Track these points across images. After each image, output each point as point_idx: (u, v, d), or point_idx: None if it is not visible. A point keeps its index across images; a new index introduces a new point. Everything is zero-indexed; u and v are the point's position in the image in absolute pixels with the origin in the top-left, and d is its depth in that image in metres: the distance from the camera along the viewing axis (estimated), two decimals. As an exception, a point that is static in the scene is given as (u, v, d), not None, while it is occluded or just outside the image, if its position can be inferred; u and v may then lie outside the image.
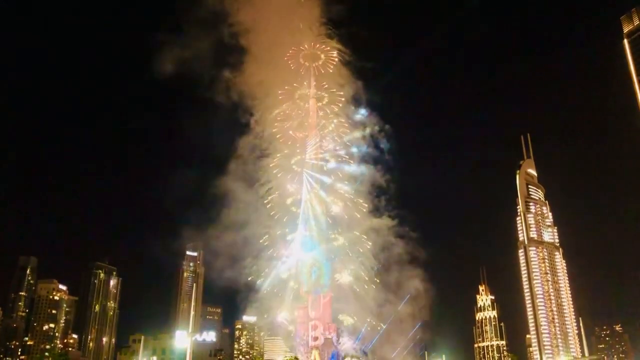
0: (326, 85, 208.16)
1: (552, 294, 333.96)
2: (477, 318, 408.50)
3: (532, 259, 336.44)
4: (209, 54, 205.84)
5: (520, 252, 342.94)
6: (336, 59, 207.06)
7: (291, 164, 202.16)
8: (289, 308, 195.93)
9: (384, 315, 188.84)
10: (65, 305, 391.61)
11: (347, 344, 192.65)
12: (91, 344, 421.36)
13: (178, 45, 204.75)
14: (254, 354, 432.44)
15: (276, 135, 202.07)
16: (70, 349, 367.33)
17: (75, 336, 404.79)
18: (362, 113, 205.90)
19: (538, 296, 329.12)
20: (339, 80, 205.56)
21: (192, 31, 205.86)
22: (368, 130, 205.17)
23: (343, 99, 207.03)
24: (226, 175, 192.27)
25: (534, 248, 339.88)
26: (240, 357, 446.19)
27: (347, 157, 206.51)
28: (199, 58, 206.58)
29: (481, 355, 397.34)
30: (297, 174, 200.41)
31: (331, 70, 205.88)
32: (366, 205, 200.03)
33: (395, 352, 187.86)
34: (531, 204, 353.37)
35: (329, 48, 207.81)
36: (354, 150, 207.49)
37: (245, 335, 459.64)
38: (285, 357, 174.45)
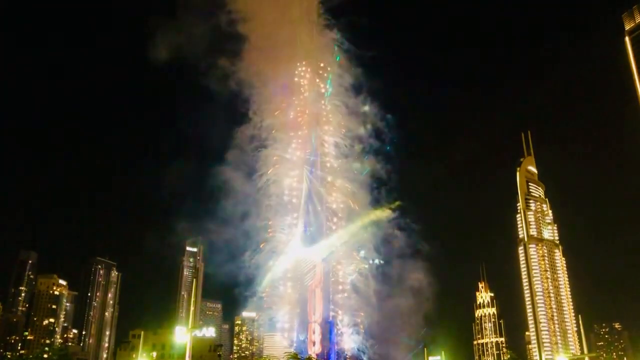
0: (325, 75, 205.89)
1: (551, 291, 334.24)
2: (476, 315, 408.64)
3: (531, 257, 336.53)
4: (206, 40, 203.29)
5: (520, 250, 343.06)
6: (336, 49, 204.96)
7: (290, 157, 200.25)
8: (288, 304, 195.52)
9: (384, 310, 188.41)
10: (65, 300, 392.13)
11: (347, 341, 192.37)
12: (91, 339, 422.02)
13: (174, 30, 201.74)
14: (254, 349, 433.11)
15: (275, 126, 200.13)
16: (69, 343, 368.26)
17: (75, 331, 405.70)
18: (363, 102, 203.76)
19: (537, 293, 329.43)
20: (338, 70, 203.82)
21: (189, 17, 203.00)
22: (369, 120, 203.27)
23: (344, 89, 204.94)
24: (224, 166, 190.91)
25: (534, 245, 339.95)
26: (240, 352, 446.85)
27: (347, 147, 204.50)
28: (196, 44, 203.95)
29: (480, 352, 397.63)
30: (297, 166, 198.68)
31: (331, 60, 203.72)
32: (366, 198, 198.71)
33: (396, 349, 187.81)
34: (531, 201, 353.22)
35: (328, 38, 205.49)
36: (355, 140, 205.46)
37: (245, 330, 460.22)
38: (285, 352, 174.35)
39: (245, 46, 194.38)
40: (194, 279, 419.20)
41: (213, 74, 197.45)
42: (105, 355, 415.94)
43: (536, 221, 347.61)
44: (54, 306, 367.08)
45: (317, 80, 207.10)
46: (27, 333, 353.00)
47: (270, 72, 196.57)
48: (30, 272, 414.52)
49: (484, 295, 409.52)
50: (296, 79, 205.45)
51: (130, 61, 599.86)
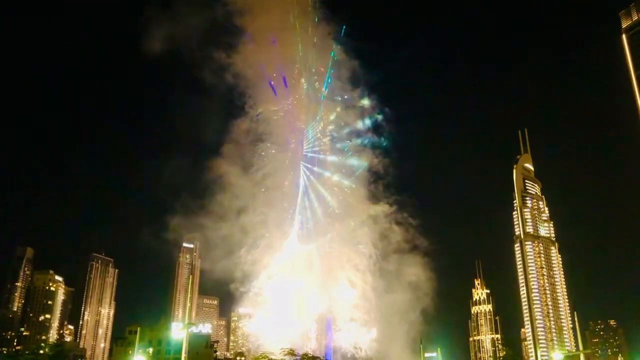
0: (323, 68, 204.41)
1: (547, 288, 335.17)
2: (472, 312, 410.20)
3: (528, 254, 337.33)
4: (203, 32, 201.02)
5: (516, 247, 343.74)
6: (333, 42, 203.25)
7: (287, 151, 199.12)
8: (284, 300, 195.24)
9: (381, 305, 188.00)
10: (61, 296, 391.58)
11: (343, 337, 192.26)
12: (87, 335, 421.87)
13: (169, 22, 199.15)
14: (250, 345, 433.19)
15: (272, 120, 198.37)
16: (66, 339, 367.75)
17: (71, 327, 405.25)
18: (362, 97, 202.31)
19: (533, 290, 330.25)
20: (336, 63, 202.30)
21: (184, 8, 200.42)
22: (367, 114, 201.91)
23: (341, 82, 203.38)
24: (220, 161, 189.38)
25: (530, 242, 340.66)
26: (236, 348, 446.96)
27: (344, 141, 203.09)
28: (192, 36, 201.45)
29: (476, 349, 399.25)
30: (294, 160, 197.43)
31: (328, 53, 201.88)
32: (364, 192, 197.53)
33: (393, 344, 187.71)
34: (528, 198, 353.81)
35: (325, 31, 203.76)
36: (352, 135, 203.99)
37: (241, 327, 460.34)
38: (281, 349, 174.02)
39: (241, 39, 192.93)
40: (191, 275, 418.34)
41: (209, 67, 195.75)
42: (101, 352, 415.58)
43: (532, 218, 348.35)
44: (50, 302, 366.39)
45: (314, 73, 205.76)
46: (23, 329, 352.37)
47: (267, 65, 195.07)
48: (26, 268, 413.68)
49: (480, 292, 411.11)
50: (293, 72, 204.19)
51: (125, 53, 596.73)
